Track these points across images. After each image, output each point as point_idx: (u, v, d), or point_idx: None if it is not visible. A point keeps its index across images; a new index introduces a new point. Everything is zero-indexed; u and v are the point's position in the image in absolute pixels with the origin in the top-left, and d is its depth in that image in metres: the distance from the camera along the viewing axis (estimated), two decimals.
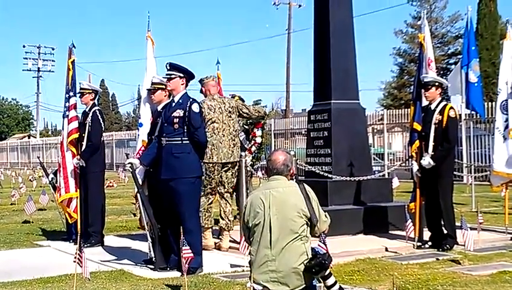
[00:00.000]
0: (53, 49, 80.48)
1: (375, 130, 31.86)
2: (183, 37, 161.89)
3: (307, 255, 5.66)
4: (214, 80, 10.10)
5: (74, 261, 6.71)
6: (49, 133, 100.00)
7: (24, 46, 79.56)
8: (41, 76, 79.49)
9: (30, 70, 79.22)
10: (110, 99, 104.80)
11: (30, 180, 27.66)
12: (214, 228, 10.22)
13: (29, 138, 73.92)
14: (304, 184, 5.92)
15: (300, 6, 53.87)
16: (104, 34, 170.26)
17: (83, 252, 6.73)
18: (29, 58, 79.18)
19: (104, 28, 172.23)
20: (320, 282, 5.79)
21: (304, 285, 5.65)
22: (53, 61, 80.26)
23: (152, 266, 8.43)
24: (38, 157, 16.96)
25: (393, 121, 29.81)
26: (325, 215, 5.91)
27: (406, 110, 29.09)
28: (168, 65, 8.40)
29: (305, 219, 5.72)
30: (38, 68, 79.12)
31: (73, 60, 10.64)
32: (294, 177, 6.11)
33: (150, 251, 8.66)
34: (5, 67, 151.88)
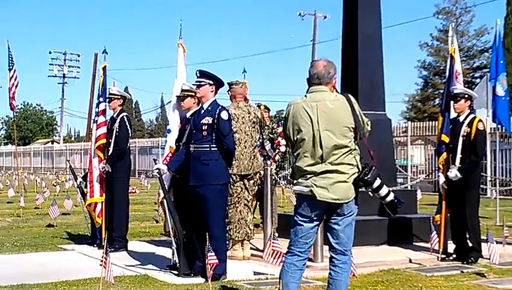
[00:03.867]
0: (78, 56, 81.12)
1: (397, 142, 31.76)
2: (208, 47, 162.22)
3: (358, 168, 5.61)
4: (242, 86, 10.00)
5: (100, 265, 6.77)
6: (72, 139, 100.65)
7: (50, 52, 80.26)
8: (66, 82, 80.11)
9: (55, 76, 79.79)
10: (134, 106, 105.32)
11: (53, 185, 27.88)
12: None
13: (52, 143, 74.35)
14: (348, 95, 5.78)
15: (325, 17, 54.09)
16: (129, 42, 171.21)
17: (109, 256, 6.79)
18: (55, 64, 79.74)
19: (129, 36, 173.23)
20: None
21: (352, 198, 5.60)
22: (78, 67, 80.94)
23: (176, 272, 8.45)
24: (68, 161, 17.19)
25: (416, 133, 29.71)
26: (367, 122, 5.82)
27: (429, 122, 29.03)
28: (198, 72, 8.42)
29: (354, 132, 5.65)
30: (64, 74, 79.66)
31: (105, 65, 10.76)
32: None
33: (173, 257, 8.69)
34: (30, 73, 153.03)
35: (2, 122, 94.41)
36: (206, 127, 8.16)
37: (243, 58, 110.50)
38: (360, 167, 5.62)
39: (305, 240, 5.72)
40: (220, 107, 8.35)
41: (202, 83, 8.32)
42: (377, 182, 5.62)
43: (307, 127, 5.61)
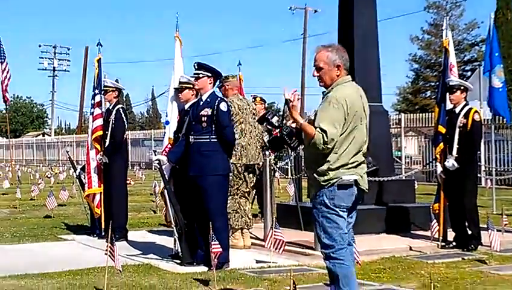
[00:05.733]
0: (68, 49, 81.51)
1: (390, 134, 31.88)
2: (201, 40, 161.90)
3: None
4: (238, 80, 10.07)
5: (106, 254, 6.81)
6: (63, 131, 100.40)
7: (40, 46, 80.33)
8: (56, 75, 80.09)
9: (46, 69, 79.88)
10: (124, 99, 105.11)
11: (47, 176, 27.85)
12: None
13: (43, 136, 74.15)
14: None
15: (316, 11, 54.26)
16: (120, 34, 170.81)
17: (115, 245, 6.84)
18: (45, 58, 79.88)
19: (119, 29, 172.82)
20: None
21: None
22: (68, 60, 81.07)
23: (178, 261, 8.51)
24: (68, 152, 17.24)
25: (408, 125, 29.81)
26: None
27: (421, 114, 29.19)
28: (196, 64, 8.46)
29: None
30: (54, 67, 79.64)
31: (100, 58, 10.86)
32: None
33: (175, 246, 8.75)
34: (21, 66, 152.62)
35: None
36: (205, 118, 8.20)
37: (233, 51, 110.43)
38: None
39: (345, 231, 5.44)
40: (219, 98, 8.41)
41: (200, 75, 8.35)
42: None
43: (362, 116, 5.44)
